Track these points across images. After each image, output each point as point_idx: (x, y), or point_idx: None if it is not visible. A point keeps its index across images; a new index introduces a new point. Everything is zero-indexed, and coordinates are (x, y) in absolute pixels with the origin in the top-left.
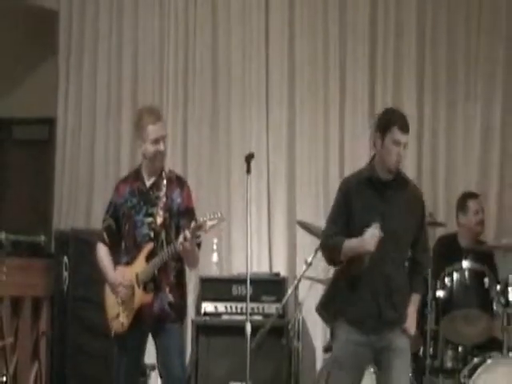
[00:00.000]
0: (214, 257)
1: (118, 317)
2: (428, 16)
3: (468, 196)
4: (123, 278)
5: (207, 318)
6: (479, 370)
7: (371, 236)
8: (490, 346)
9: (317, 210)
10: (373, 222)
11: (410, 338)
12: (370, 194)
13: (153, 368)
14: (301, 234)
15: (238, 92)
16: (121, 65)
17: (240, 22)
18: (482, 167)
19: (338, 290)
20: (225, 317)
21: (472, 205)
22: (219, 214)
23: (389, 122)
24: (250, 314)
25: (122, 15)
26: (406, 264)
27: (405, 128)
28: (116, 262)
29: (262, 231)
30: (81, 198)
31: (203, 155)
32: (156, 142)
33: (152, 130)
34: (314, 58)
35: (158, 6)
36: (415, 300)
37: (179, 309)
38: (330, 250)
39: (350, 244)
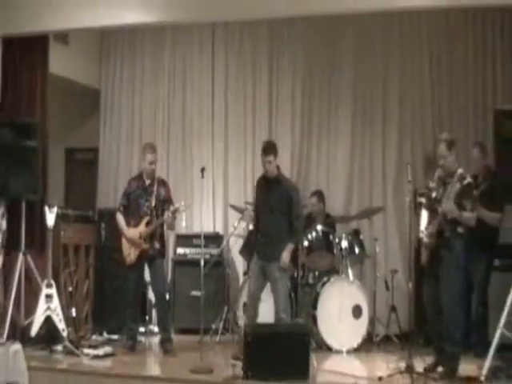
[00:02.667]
0: (183, 224)
1: (130, 255)
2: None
3: (313, 194)
4: (132, 233)
5: (180, 256)
6: (327, 284)
7: None
8: (332, 272)
9: (240, 198)
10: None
11: (284, 268)
12: (262, 185)
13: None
14: (231, 211)
15: (197, 131)
16: (133, 118)
17: (197, 89)
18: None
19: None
20: (189, 256)
21: (314, 200)
22: (183, 203)
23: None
24: (203, 254)
25: (134, 88)
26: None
27: (265, 151)
28: (127, 224)
29: (209, 210)
30: (111, 192)
31: (177, 168)
32: (150, 163)
33: (148, 157)
34: (239, 115)
35: (153, 83)
36: (288, 246)
37: (163, 251)
38: None
39: None
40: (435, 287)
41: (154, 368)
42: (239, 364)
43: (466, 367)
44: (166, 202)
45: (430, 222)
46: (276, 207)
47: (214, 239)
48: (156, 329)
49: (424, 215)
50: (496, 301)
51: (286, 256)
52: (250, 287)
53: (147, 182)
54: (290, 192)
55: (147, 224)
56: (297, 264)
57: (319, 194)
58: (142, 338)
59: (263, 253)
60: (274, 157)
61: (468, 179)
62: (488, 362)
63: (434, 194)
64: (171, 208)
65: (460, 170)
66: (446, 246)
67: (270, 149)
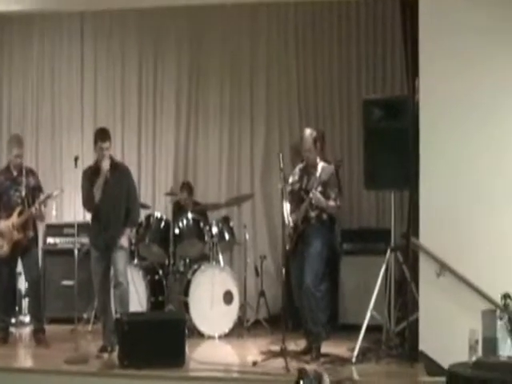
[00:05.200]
0: (54, 212)
1: (3, 247)
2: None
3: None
4: (4, 226)
5: (50, 246)
6: (198, 272)
7: None
8: (203, 259)
9: None
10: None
11: (123, 247)
12: (97, 176)
13: (20, 274)
14: None
15: (66, 121)
16: (1, 108)
17: (66, 79)
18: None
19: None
20: (60, 245)
21: (184, 194)
22: (57, 191)
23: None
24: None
25: (2, 78)
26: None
27: (102, 138)
28: None
29: (80, 199)
30: None
31: (47, 158)
32: (16, 157)
33: (14, 151)
34: (108, 105)
35: (22, 73)
36: (126, 231)
37: (36, 240)
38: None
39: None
40: (301, 270)
41: (27, 360)
42: (106, 356)
43: (335, 348)
44: (35, 189)
45: (293, 211)
46: (118, 193)
47: (85, 228)
48: (27, 319)
49: (286, 206)
50: (350, 284)
51: (124, 241)
52: (96, 287)
53: (15, 173)
54: (127, 175)
55: (19, 214)
56: (167, 252)
57: (188, 186)
58: (12, 329)
59: (106, 241)
60: (110, 143)
61: (330, 170)
62: (358, 344)
63: (297, 186)
64: (41, 196)
65: (322, 163)
66: (311, 231)
67: (106, 135)
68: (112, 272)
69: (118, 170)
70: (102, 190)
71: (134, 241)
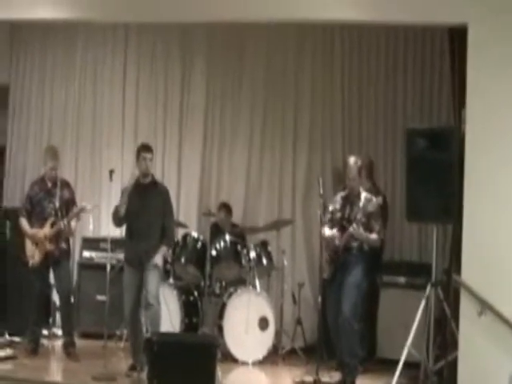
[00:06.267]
0: (91, 227)
1: (34, 256)
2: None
3: (220, 207)
4: (37, 234)
5: (86, 260)
6: (234, 295)
7: None
8: (239, 282)
9: None
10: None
11: (157, 266)
12: (139, 190)
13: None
14: None
15: (106, 134)
16: (42, 117)
17: (108, 92)
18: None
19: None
20: (96, 260)
21: (222, 215)
22: (90, 205)
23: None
24: (110, 259)
25: (44, 87)
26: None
27: (145, 149)
28: (31, 227)
29: None
30: (18, 190)
31: (86, 170)
32: (51, 169)
33: (49, 164)
34: (149, 120)
35: (64, 83)
36: (162, 249)
37: (68, 252)
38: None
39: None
40: (338, 299)
41: (56, 373)
42: (135, 375)
43: (371, 383)
44: (69, 202)
45: (333, 239)
46: (155, 210)
47: (121, 244)
48: (60, 332)
49: (325, 232)
50: (389, 317)
51: (158, 259)
52: (127, 304)
53: (49, 184)
54: (165, 194)
55: (52, 225)
56: (203, 273)
57: (227, 208)
58: (44, 341)
59: (139, 257)
60: (153, 156)
61: (374, 200)
62: (395, 380)
63: (338, 215)
64: (75, 209)
65: (364, 193)
66: (352, 260)
67: (149, 148)
68: (144, 292)
69: (157, 186)
70: (140, 202)
71: (169, 260)
